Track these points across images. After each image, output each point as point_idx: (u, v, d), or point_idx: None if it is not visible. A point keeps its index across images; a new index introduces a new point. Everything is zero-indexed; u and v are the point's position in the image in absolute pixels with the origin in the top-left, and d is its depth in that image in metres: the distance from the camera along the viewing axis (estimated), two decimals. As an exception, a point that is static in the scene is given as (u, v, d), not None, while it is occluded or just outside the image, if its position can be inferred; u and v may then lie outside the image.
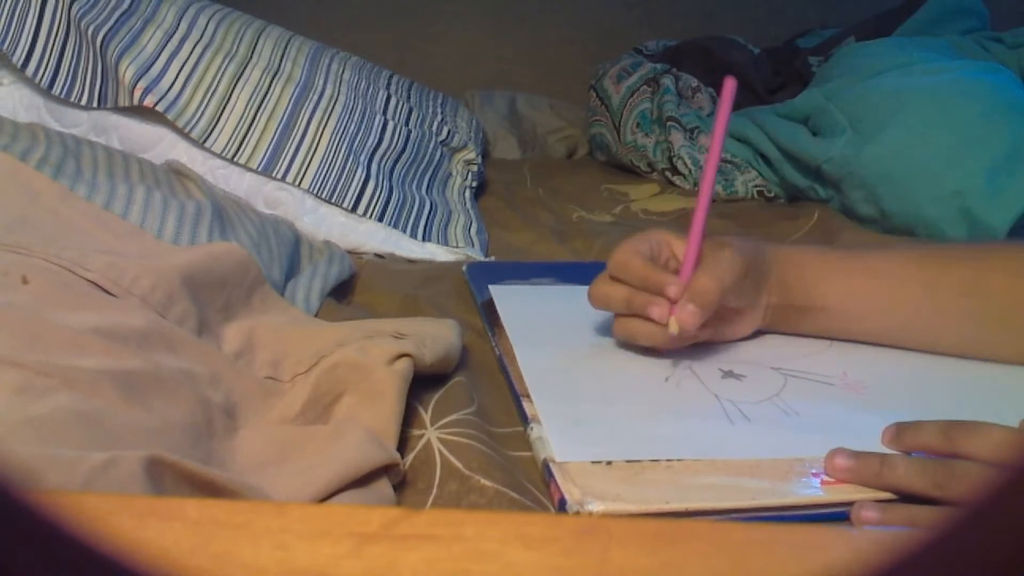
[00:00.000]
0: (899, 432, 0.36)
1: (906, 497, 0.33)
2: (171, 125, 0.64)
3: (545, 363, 0.43)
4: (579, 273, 0.56)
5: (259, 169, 0.65)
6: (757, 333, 0.47)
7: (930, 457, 0.33)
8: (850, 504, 0.33)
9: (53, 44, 0.64)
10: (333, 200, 0.66)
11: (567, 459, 0.34)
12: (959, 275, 0.43)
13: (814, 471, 0.34)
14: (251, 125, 0.66)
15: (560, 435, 0.36)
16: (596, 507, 0.31)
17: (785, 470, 0.34)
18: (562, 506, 0.32)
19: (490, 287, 0.53)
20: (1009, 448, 0.31)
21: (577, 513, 0.31)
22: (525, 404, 0.39)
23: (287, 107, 0.68)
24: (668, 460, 0.34)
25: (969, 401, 0.41)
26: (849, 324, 0.45)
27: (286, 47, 0.76)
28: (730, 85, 0.41)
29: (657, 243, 0.44)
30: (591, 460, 0.34)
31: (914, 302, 0.44)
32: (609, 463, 0.34)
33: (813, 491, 0.33)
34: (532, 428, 0.37)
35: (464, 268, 0.57)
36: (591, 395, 0.41)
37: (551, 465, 0.34)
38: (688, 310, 0.40)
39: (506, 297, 0.51)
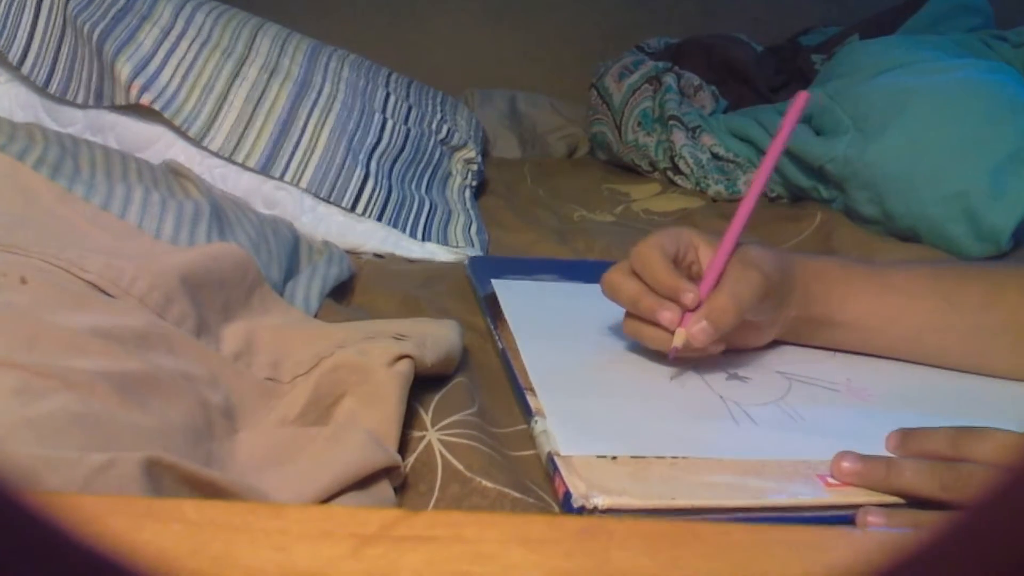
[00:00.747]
0: (905, 438, 0.35)
1: (912, 502, 0.33)
2: (168, 124, 0.64)
3: (549, 357, 0.43)
4: (582, 271, 0.55)
5: (257, 168, 0.65)
6: None
7: (936, 460, 0.33)
8: (855, 507, 0.33)
9: (49, 42, 0.64)
10: (332, 199, 0.66)
11: (572, 453, 0.34)
12: (975, 291, 0.43)
13: (819, 474, 0.34)
14: (249, 123, 0.66)
15: (565, 429, 0.36)
16: (601, 501, 0.31)
17: (790, 471, 0.34)
18: (567, 500, 0.32)
19: (493, 281, 0.52)
20: (1015, 451, 0.31)
21: (582, 507, 0.31)
22: (529, 398, 0.39)
23: (285, 105, 0.68)
24: (673, 457, 0.34)
25: (971, 409, 0.41)
26: (865, 339, 0.45)
27: (284, 44, 0.75)
28: (801, 99, 0.39)
29: (685, 244, 0.42)
30: (596, 454, 0.34)
31: (929, 317, 0.43)
32: (614, 458, 0.34)
33: (818, 493, 0.33)
34: (536, 422, 0.37)
35: (466, 262, 0.57)
36: (595, 390, 0.40)
37: (556, 459, 0.34)
38: (700, 326, 0.39)
39: (509, 291, 0.51)
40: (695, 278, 0.42)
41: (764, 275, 0.40)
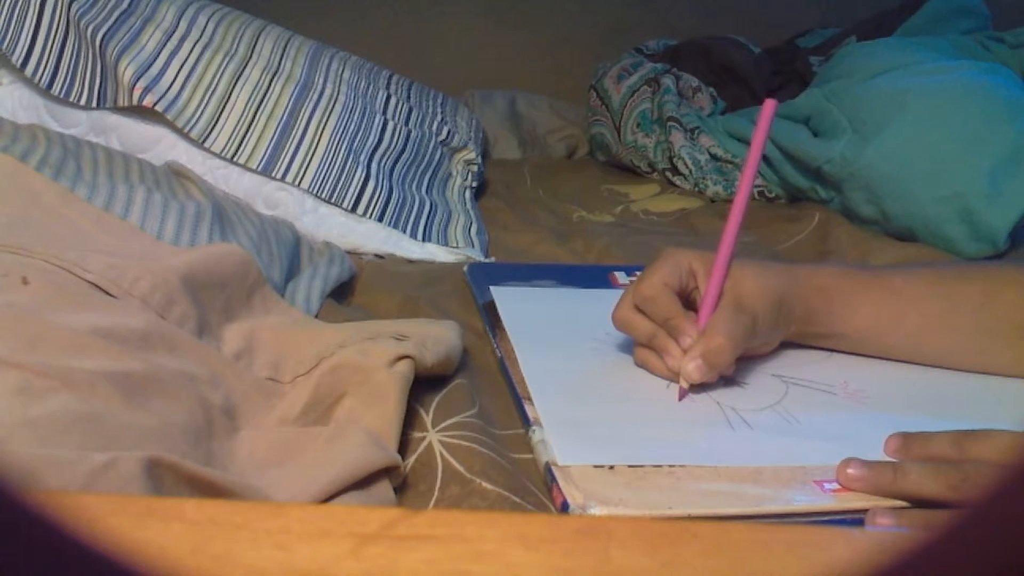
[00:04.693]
0: (906, 441, 0.36)
1: (918, 505, 0.33)
2: (171, 125, 0.64)
3: (547, 366, 0.43)
4: (580, 276, 0.55)
5: (259, 169, 0.65)
6: None
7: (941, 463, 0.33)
8: (853, 512, 0.33)
9: (52, 43, 0.64)
10: (333, 200, 0.66)
11: (569, 462, 0.34)
12: (974, 291, 0.43)
13: (815, 479, 0.34)
14: (251, 125, 0.66)
15: (562, 438, 0.36)
16: (599, 511, 0.32)
17: (787, 478, 0.34)
18: (564, 510, 0.32)
19: (491, 288, 0.52)
20: (1018, 451, 0.31)
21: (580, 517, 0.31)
22: (527, 407, 0.39)
23: (287, 107, 0.68)
24: (670, 466, 0.34)
25: (969, 409, 0.41)
26: (866, 345, 0.45)
27: (286, 46, 0.76)
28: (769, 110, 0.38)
29: (686, 273, 0.42)
30: (593, 464, 0.34)
31: (931, 318, 0.44)
32: (611, 468, 0.34)
33: (815, 499, 0.33)
34: (534, 431, 0.37)
35: (465, 269, 0.57)
36: (593, 399, 0.41)
37: (553, 468, 0.34)
38: (696, 364, 0.39)
39: (507, 299, 0.51)
40: (698, 306, 0.42)
41: (753, 317, 0.41)
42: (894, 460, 0.35)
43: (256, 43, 0.73)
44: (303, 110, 0.69)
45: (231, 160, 0.65)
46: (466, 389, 0.40)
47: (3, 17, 0.63)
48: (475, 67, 1.21)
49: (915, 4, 0.96)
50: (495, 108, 1.10)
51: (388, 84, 0.84)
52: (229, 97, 0.66)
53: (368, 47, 0.96)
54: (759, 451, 0.36)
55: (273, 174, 0.65)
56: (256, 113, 0.66)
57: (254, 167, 0.65)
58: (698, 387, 0.42)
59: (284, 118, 0.67)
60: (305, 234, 0.63)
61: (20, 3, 0.64)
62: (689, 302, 0.43)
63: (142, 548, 0.17)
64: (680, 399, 0.41)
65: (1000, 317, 0.43)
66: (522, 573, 0.17)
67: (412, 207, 0.70)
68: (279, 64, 0.72)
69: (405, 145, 0.75)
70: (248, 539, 0.17)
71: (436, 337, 0.40)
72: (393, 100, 0.80)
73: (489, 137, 1.03)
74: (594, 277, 0.55)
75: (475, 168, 0.83)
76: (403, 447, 0.35)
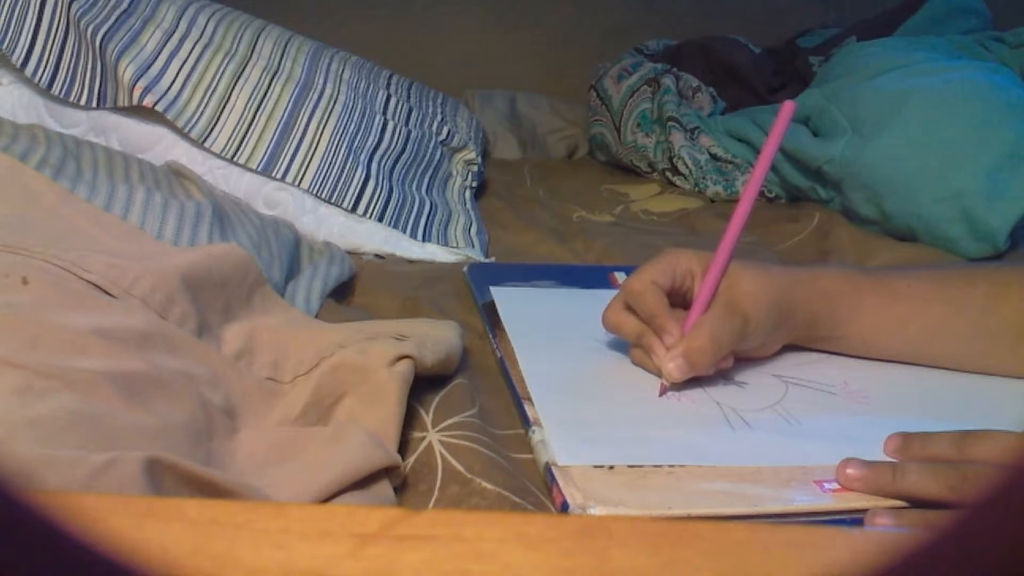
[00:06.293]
0: (906, 442, 0.35)
1: (917, 505, 0.33)
2: (171, 125, 0.64)
3: (547, 366, 0.43)
4: (580, 277, 0.55)
5: (259, 169, 0.65)
6: None
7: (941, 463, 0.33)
8: (852, 512, 0.33)
9: (52, 43, 0.64)
10: (333, 200, 0.66)
11: (569, 463, 0.34)
12: (979, 294, 0.43)
13: (815, 479, 0.34)
14: (251, 125, 0.66)
15: (562, 438, 0.36)
16: (599, 511, 0.32)
17: (787, 478, 0.34)
18: (564, 510, 0.32)
19: (491, 289, 0.52)
20: (1018, 451, 0.31)
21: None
22: (527, 407, 0.39)
23: (287, 107, 0.68)
24: (670, 466, 0.34)
25: (969, 410, 0.41)
26: (869, 348, 0.45)
27: (286, 46, 0.76)
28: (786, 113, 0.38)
29: (682, 273, 0.42)
30: (593, 464, 0.34)
31: (935, 323, 0.43)
32: (611, 468, 0.34)
33: (815, 499, 0.33)
34: (534, 431, 0.37)
35: (465, 269, 0.57)
36: (593, 399, 0.41)
37: (553, 469, 0.34)
38: (677, 363, 0.39)
39: (507, 299, 0.51)
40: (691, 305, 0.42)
41: (745, 319, 0.40)
42: (894, 460, 0.35)
43: (256, 43, 0.73)
44: (303, 110, 0.69)
45: (231, 160, 0.65)
46: (466, 389, 0.40)
47: (3, 17, 0.63)
48: (475, 67, 1.21)
49: (915, 4, 0.96)
50: (495, 108, 1.10)
51: (388, 84, 0.84)
52: (229, 97, 0.66)
53: (368, 47, 0.96)
54: (759, 451, 0.37)
55: (273, 174, 0.65)
56: (256, 113, 0.66)
57: (254, 167, 0.65)
58: (696, 385, 0.42)
59: (284, 118, 0.67)
60: (305, 234, 0.63)
61: (20, 3, 0.64)
62: (686, 302, 0.43)
63: (142, 548, 0.17)
64: (661, 395, 0.41)
65: (1003, 321, 0.43)
66: (522, 573, 0.17)
67: (412, 207, 0.70)
68: (279, 64, 0.72)
69: (405, 145, 0.75)
70: (248, 539, 0.17)
71: (436, 337, 0.40)
72: (393, 100, 0.80)
73: (489, 137, 1.03)
74: (594, 277, 0.56)
75: (475, 168, 0.83)
76: (403, 447, 0.35)
